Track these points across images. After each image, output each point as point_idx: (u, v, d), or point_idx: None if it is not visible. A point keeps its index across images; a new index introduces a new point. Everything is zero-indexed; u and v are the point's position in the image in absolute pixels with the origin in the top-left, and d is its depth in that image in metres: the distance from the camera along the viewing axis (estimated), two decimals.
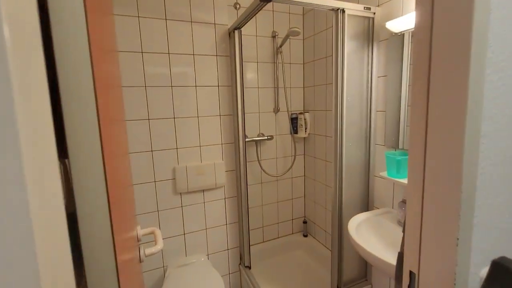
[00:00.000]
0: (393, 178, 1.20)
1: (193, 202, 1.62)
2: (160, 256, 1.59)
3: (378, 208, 1.43)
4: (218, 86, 1.60)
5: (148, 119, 1.46)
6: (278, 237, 2.12)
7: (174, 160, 1.54)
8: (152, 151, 1.48)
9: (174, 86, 1.49)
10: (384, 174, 1.27)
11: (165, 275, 1.53)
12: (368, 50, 1.36)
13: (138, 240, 0.81)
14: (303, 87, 2.01)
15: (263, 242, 2.07)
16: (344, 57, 1.28)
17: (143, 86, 1.42)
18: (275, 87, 1.91)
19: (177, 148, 1.54)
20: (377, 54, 1.36)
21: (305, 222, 2.13)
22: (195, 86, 1.54)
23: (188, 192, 1.60)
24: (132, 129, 1.42)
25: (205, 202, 1.66)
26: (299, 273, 1.94)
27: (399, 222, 1.22)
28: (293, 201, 2.12)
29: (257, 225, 2.01)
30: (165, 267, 1.62)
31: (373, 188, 1.45)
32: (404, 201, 1.20)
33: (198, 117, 1.57)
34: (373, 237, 1.20)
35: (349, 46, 1.31)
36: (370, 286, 1.52)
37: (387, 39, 1.31)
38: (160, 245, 0.76)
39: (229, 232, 1.76)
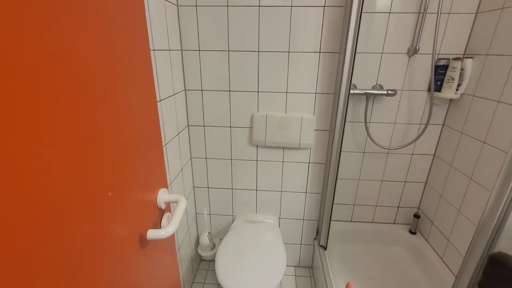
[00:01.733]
0: None
1: (270, 158, 1.37)
2: (230, 204, 1.51)
3: None
4: (324, 6, 1.10)
5: (228, 51, 1.18)
6: (373, 222, 1.66)
7: (254, 106, 1.27)
8: (229, 91, 1.25)
9: (262, 6, 1.11)
10: None
11: (231, 226, 1.45)
12: None
13: (159, 208, 0.62)
14: (476, 13, 1.18)
15: (351, 221, 1.67)
16: None
17: (224, 6, 1.12)
18: (419, 13, 1.20)
19: (258, 92, 1.24)
20: None
21: (417, 216, 1.55)
22: (291, 6, 1.10)
23: (266, 147, 1.35)
24: (208, 62, 1.20)
25: (284, 162, 1.37)
26: (391, 277, 1.49)
27: None
28: (405, 184, 1.54)
29: (347, 200, 1.61)
30: (234, 217, 1.54)
31: None
32: None
33: (289, 52, 1.17)
34: None
35: None
36: None
37: None
38: (172, 227, 0.52)
39: (307, 202, 1.46)
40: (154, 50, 0.90)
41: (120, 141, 0.46)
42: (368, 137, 1.41)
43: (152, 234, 0.52)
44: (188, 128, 1.33)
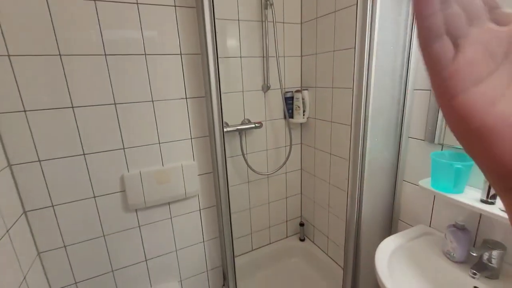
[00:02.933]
0: (444, 193, 0.80)
1: (154, 219, 1.18)
2: None
3: (407, 224, 1.05)
4: (181, 54, 1.09)
5: (72, 107, 0.95)
6: (270, 243, 1.76)
7: (122, 165, 1.07)
8: (84, 154, 1.00)
9: (110, 55, 0.97)
10: (425, 183, 0.87)
11: None
12: None
13: None
14: (301, 56, 1.52)
15: (252, 250, 1.70)
16: (376, 6, 0.81)
17: (55, 55, 0.89)
18: (263, 56, 1.41)
19: (124, 148, 1.06)
20: None
21: (302, 225, 1.76)
22: (144, 54, 1.02)
23: (147, 208, 1.16)
24: (43, 123, 0.92)
25: (172, 218, 1.22)
26: (295, 286, 1.61)
27: (446, 254, 0.84)
28: (287, 200, 1.73)
29: (243, 232, 1.63)
30: None
31: (401, 197, 1.06)
32: (458, 226, 0.82)
33: (152, 101, 1.07)
34: (414, 279, 0.83)
35: None
36: None
37: None
38: None
39: (207, 250, 1.36)
40: None
41: None
42: (248, 168, 1.49)
43: None
44: (26, 215, 0.95)
